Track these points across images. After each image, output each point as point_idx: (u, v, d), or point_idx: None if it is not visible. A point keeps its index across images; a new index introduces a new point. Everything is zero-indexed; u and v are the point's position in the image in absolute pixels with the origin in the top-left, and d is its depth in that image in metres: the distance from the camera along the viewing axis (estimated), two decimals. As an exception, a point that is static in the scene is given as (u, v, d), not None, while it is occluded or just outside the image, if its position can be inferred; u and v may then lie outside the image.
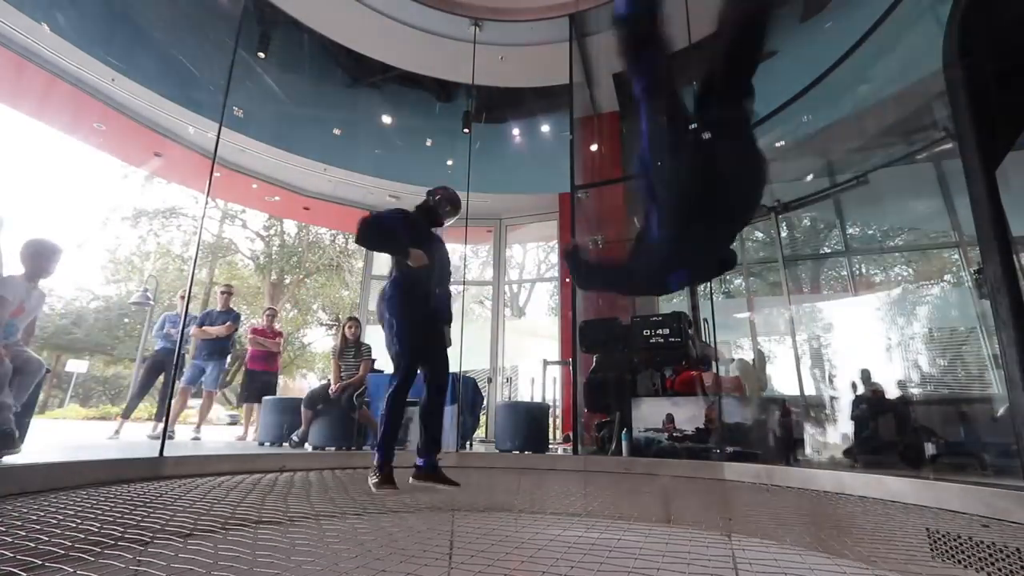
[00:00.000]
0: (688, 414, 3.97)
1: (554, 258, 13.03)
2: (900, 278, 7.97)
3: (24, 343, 3.12)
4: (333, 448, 4.46)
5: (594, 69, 6.65)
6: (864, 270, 8.87)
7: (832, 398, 5.81)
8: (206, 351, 5.27)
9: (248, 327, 6.43)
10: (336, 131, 7.75)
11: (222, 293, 5.64)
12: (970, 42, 2.24)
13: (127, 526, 1.36)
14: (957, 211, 5.02)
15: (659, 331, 4.41)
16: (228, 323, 5.34)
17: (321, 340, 19.20)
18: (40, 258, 3.14)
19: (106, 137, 7.06)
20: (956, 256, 5.66)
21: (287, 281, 18.13)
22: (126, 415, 5.07)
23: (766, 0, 1.48)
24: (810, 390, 5.77)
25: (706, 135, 1.50)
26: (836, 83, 5.05)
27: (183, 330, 3.60)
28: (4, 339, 2.90)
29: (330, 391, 4.61)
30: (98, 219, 18.51)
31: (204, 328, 5.28)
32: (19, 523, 1.32)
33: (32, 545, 1.11)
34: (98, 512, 1.56)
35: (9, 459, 2.53)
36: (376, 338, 5.93)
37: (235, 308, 5.72)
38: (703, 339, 5.26)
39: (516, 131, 8.27)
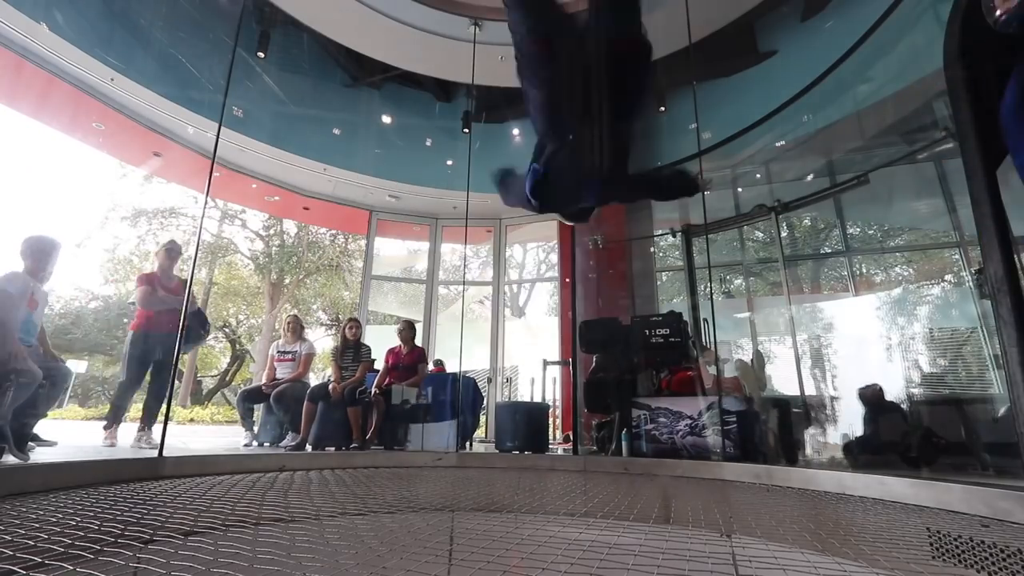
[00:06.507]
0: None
1: (554, 258, 13.03)
2: (900, 278, 7.97)
3: (41, 347, 3.10)
4: (333, 448, 4.46)
5: (594, 69, 6.64)
6: (864, 270, 8.86)
7: (832, 398, 5.81)
8: None
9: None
10: (336, 131, 7.74)
11: None
12: (971, 41, 2.24)
13: (127, 524, 1.35)
14: (958, 211, 5.01)
15: (659, 331, 4.40)
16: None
17: (320, 340, 19.17)
18: (41, 254, 3.13)
19: (105, 137, 7.05)
20: (957, 256, 5.66)
21: (287, 281, 18.10)
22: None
23: None
24: (810, 390, 5.76)
25: None
26: (836, 83, 5.04)
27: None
28: (27, 338, 2.87)
29: (330, 390, 4.62)
30: (97, 219, 18.47)
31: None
32: (18, 522, 1.31)
33: (32, 543, 1.11)
34: (97, 511, 1.55)
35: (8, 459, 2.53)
36: (375, 338, 5.92)
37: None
38: (703, 341, 5.26)
39: (516, 131, 8.25)
